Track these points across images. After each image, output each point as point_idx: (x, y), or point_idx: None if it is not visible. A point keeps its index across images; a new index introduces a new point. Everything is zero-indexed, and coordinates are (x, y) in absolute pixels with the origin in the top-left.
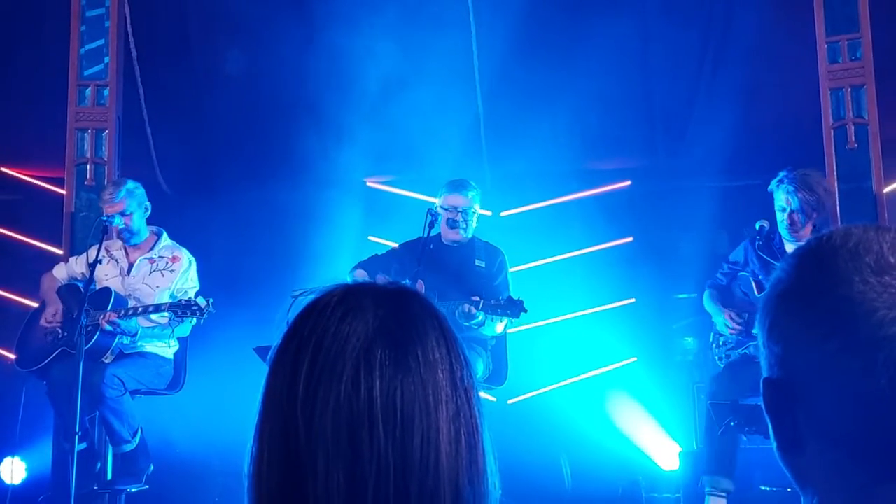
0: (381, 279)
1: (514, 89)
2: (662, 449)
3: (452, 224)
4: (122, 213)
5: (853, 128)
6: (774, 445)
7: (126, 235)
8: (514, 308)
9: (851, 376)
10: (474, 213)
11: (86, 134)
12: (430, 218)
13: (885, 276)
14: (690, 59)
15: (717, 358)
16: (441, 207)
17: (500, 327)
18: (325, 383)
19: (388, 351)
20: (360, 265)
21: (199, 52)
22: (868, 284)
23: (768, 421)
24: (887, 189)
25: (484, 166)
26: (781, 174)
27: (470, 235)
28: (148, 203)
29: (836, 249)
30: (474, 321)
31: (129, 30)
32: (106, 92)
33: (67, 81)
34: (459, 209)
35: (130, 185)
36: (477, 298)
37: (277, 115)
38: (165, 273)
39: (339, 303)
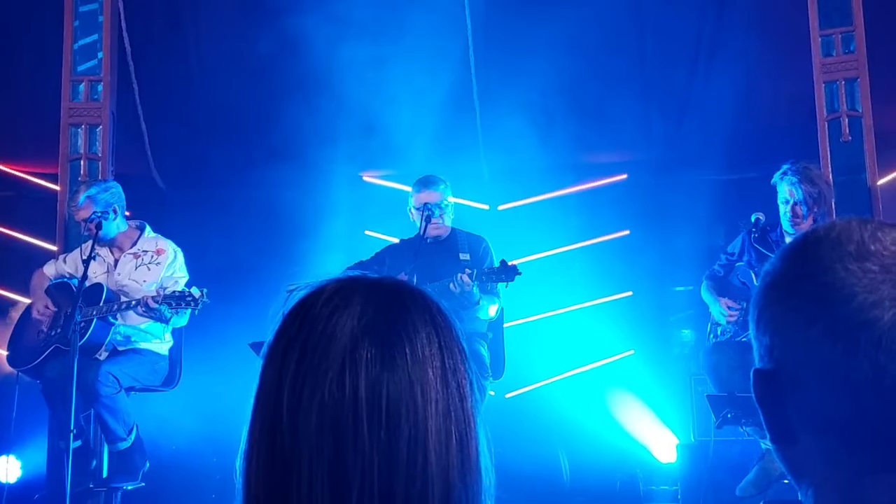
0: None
1: (510, 83)
2: (660, 441)
3: (428, 219)
4: (94, 215)
5: (847, 120)
6: (768, 437)
7: (99, 235)
8: (508, 272)
9: (835, 361)
10: (447, 205)
11: (79, 130)
12: (426, 212)
13: (865, 262)
14: (686, 52)
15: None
16: (423, 206)
17: (492, 310)
18: (311, 382)
19: (375, 349)
20: (349, 269)
21: (193, 46)
22: (849, 271)
23: (760, 412)
24: (881, 181)
25: (481, 161)
26: (784, 167)
27: (448, 225)
28: (120, 204)
29: (819, 240)
30: (471, 295)
31: (123, 25)
32: (100, 87)
33: (61, 77)
34: (431, 205)
35: (93, 190)
36: (469, 270)
37: (273, 109)
38: (151, 266)
39: (328, 300)
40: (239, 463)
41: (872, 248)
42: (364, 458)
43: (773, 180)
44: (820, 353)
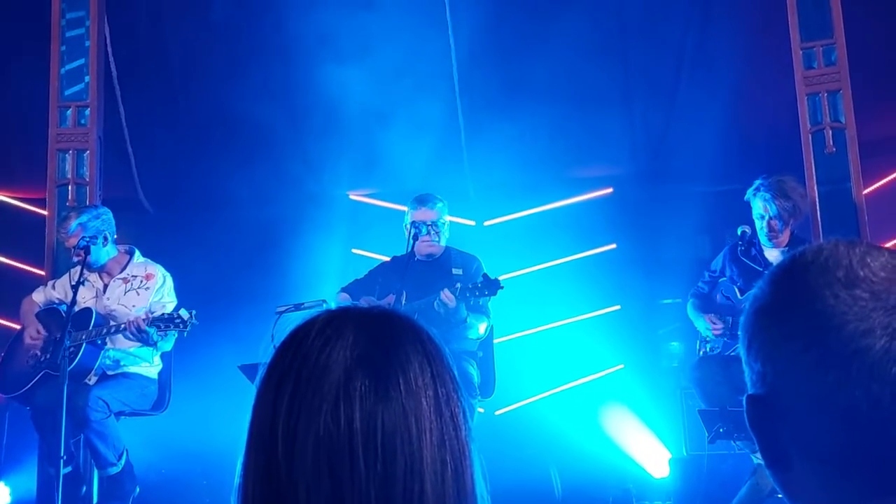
0: (365, 301)
1: (495, 99)
2: (652, 456)
3: (425, 237)
4: (82, 241)
5: (831, 132)
6: (763, 461)
7: (89, 261)
8: (491, 286)
9: (828, 390)
10: (444, 223)
11: (67, 155)
12: (413, 231)
13: (855, 289)
14: (669, 65)
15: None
16: (411, 224)
17: (482, 328)
18: (306, 416)
19: (369, 380)
20: (343, 290)
21: (179, 69)
22: (838, 298)
23: (754, 437)
24: (866, 191)
25: (466, 176)
26: (757, 182)
27: (443, 244)
28: (111, 230)
29: (807, 265)
30: (457, 312)
31: (109, 49)
32: (87, 112)
33: (48, 102)
34: (428, 223)
35: (84, 217)
36: (456, 285)
37: (260, 130)
38: (140, 291)
39: (320, 332)
40: (234, 498)
41: (861, 273)
42: (361, 489)
43: (746, 196)
44: (813, 382)
